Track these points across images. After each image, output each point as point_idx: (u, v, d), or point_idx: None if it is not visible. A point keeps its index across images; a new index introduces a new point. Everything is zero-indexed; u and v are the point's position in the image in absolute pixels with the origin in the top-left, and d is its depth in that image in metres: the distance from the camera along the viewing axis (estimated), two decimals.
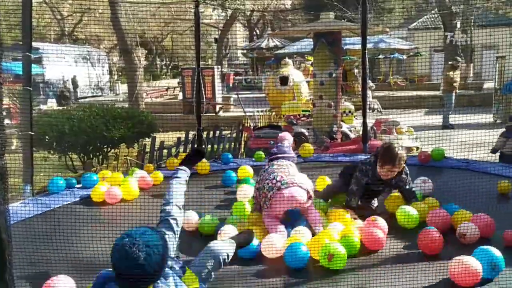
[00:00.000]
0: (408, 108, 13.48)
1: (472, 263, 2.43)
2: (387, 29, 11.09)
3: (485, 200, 3.54)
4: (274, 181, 3.18)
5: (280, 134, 5.43)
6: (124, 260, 1.60)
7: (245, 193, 3.94)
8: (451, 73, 11.35)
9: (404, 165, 3.43)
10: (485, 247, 2.59)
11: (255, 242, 2.86)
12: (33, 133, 4.18)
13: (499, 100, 12.27)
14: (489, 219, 3.02)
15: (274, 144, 6.59)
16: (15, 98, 12.58)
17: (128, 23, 11.66)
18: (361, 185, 3.40)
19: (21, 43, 4.52)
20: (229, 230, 3.10)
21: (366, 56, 5.29)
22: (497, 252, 2.52)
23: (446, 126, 10.68)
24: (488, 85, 17.02)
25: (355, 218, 3.31)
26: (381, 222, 3.10)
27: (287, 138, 4.56)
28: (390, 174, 3.37)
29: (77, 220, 3.64)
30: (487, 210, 3.15)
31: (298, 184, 3.14)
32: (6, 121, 12.52)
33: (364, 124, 5.61)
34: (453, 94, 11.33)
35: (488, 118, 11.79)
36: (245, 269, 2.79)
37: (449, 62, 11.70)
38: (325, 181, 4.10)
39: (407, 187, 3.51)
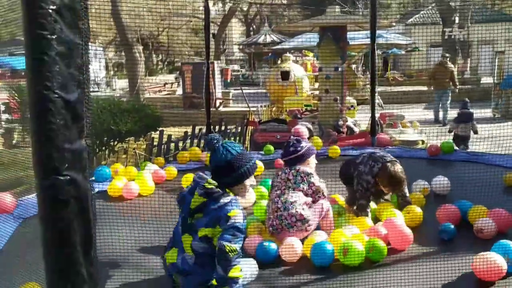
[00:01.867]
0: (407, 103, 13.57)
1: (496, 259, 2.46)
2: (394, 23, 11.16)
3: (497, 194, 3.58)
4: (273, 222, 3.08)
5: (296, 127, 5.43)
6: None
7: (247, 199, 3.67)
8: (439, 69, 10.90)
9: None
10: (503, 241, 2.63)
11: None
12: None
13: (498, 94, 12.38)
14: (506, 213, 3.06)
15: (279, 138, 6.64)
16: (14, 92, 12.52)
17: (128, 18, 11.61)
18: (368, 197, 3.35)
19: (22, 38, 4.49)
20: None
21: (375, 50, 5.32)
22: None
23: (442, 121, 10.69)
24: (485, 80, 17.16)
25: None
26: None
27: (301, 132, 4.52)
28: (393, 192, 3.41)
29: (96, 214, 3.65)
30: (501, 204, 3.19)
31: (288, 230, 3.02)
32: (6, 115, 12.44)
33: (373, 117, 5.65)
34: (448, 91, 10.93)
35: (487, 112, 11.90)
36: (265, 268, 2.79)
37: (438, 59, 11.29)
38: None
39: (406, 197, 3.45)
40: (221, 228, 2.31)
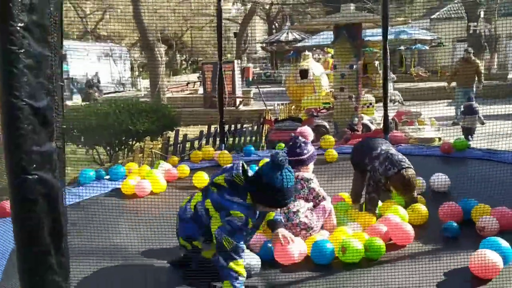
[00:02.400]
0: (430, 99, 13.32)
1: (492, 257, 2.47)
2: (409, 20, 10.96)
3: (505, 192, 3.54)
4: None
5: (299, 129, 5.45)
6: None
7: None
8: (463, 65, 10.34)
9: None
10: (492, 237, 2.63)
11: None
12: (64, 126, 4.36)
13: None
14: (509, 212, 3.04)
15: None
16: None
17: (149, 20, 11.86)
18: (379, 192, 3.39)
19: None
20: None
21: (387, 48, 5.30)
22: (504, 243, 2.55)
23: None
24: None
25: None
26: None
27: (307, 134, 4.51)
28: (405, 196, 3.42)
29: (110, 210, 3.81)
30: (504, 201, 3.16)
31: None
32: None
33: (385, 115, 5.62)
34: (471, 89, 10.29)
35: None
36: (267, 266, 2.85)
37: (462, 55, 10.79)
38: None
39: (413, 198, 3.47)
40: (220, 217, 2.42)
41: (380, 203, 3.49)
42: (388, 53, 5.39)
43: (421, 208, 3.28)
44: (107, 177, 4.71)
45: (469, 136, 7.35)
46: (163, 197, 4.28)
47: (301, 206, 3.09)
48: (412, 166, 3.32)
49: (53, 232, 0.96)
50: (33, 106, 0.92)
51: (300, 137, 3.47)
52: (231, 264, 2.37)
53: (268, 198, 2.47)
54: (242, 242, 2.44)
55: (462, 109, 7.62)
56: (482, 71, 9.94)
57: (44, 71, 0.94)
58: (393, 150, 3.45)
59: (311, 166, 3.35)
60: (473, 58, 10.13)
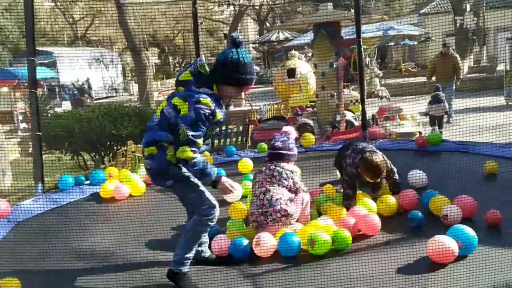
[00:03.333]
0: (419, 94, 13.40)
1: (447, 242, 2.54)
2: (385, 17, 10.99)
3: (471, 182, 3.61)
4: (258, 218, 3.18)
5: (283, 128, 5.50)
6: None
7: (234, 194, 3.67)
8: (440, 59, 10.05)
9: (388, 164, 3.50)
10: (458, 225, 2.70)
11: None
12: (40, 134, 4.41)
13: (511, 82, 12.11)
14: (471, 200, 3.11)
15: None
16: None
17: (136, 24, 11.89)
18: (354, 187, 3.50)
19: (40, 48, 4.75)
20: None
21: (361, 44, 5.37)
22: (470, 231, 2.62)
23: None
24: (501, 67, 16.74)
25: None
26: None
27: (291, 133, 4.58)
28: (376, 179, 3.50)
29: (87, 215, 3.86)
30: (471, 191, 3.23)
31: (273, 225, 3.14)
32: (24, 125, 12.98)
33: (363, 111, 5.69)
34: (451, 84, 9.89)
35: (500, 100, 11.65)
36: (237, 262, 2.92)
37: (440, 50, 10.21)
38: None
39: (394, 179, 3.60)
40: (187, 105, 2.47)
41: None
42: (363, 51, 5.46)
43: (390, 200, 3.36)
44: (87, 182, 4.76)
45: (437, 126, 7.90)
46: (142, 199, 4.35)
47: (283, 194, 3.20)
48: (378, 152, 3.45)
49: None
50: None
51: (276, 133, 3.58)
52: (179, 153, 2.45)
53: (231, 76, 2.52)
54: (199, 140, 2.46)
55: (430, 98, 8.16)
56: (461, 65, 9.69)
57: None
58: (360, 144, 3.58)
59: (292, 163, 3.47)
60: (451, 52, 9.93)
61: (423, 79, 16.97)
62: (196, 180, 2.61)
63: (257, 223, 3.21)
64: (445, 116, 8.32)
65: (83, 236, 3.50)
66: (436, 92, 8.10)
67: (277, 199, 3.16)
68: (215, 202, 2.64)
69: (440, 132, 7.70)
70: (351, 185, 3.47)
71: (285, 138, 3.48)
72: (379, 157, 3.39)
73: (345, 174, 3.52)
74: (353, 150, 3.50)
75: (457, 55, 9.87)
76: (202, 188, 2.65)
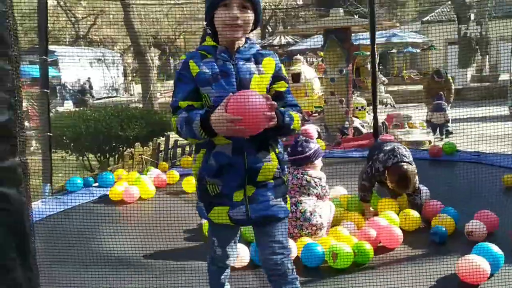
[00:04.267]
0: (422, 102, 13.40)
1: (480, 262, 2.46)
2: (398, 24, 10.96)
3: (490, 195, 3.55)
4: (292, 231, 3.05)
5: (305, 128, 5.40)
6: None
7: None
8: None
9: (417, 182, 3.34)
10: (484, 243, 2.63)
11: None
12: (51, 134, 4.34)
13: None
14: (492, 215, 3.05)
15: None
16: (32, 101, 12.93)
17: (141, 25, 11.84)
18: (372, 182, 3.41)
19: (37, 46, 4.69)
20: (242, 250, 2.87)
21: (375, 51, 5.32)
22: (496, 249, 2.55)
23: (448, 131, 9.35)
24: (504, 77, 16.78)
25: (375, 214, 3.37)
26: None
27: (311, 131, 4.45)
28: (399, 191, 3.40)
29: (97, 218, 3.78)
30: (491, 205, 3.17)
31: (310, 238, 3.05)
32: (25, 123, 12.86)
33: (375, 118, 5.64)
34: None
35: (504, 110, 11.65)
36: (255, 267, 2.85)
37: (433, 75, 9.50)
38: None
39: (414, 198, 3.42)
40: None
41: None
42: (376, 57, 5.41)
43: (413, 214, 3.27)
44: (96, 184, 4.68)
45: (442, 131, 8.10)
46: (152, 202, 4.27)
47: (315, 206, 3.11)
48: (413, 165, 3.28)
49: (19, 248, 0.95)
50: None
51: (301, 136, 3.50)
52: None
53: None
54: (176, 105, 1.82)
55: (432, 106, 8.40)
56: (453, 89, 9.29)
57: (4, 85, 0.92)
58: (402, 149, 3.41)
59: (318, 163, 3.33)
60: (446, 78, 9.23)
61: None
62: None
63: (290, 236, 3.04)
64: (448, 125, 8.32)
65: (93, 239, 3.42)
66: (437, 101, 8.15)
67: (311, 213, 3.07)
68: (218, 250, 2.04)
69: (441, 139, 7.77)
70: (370, 178, 3.37)
71: (304, 140, 3.34)
72: (412, 171, 3.24)
73: (369, 165, 3.40)
74: (391, 150, 3.33)
75: (450, 78, 9.39)
76: (212, 229, 2.03)
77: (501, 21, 15.50)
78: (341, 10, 7.24)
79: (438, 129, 8.34)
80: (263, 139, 1.79)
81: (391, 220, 3.20)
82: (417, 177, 3.32)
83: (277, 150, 1.86)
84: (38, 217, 3.79)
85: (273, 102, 1.67)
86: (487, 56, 20.81)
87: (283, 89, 1.88)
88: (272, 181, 1.85)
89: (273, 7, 25.68)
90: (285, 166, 1.93)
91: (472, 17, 18.01)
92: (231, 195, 1.81)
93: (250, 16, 1.78)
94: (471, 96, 14.27)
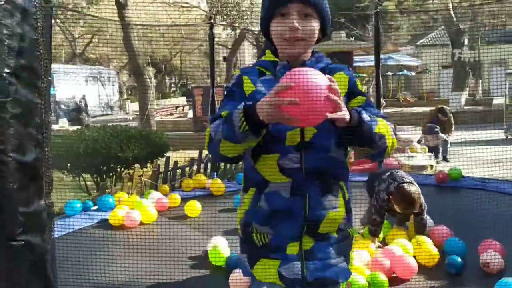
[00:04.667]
0: (418, 124, 13.43)
1: None
2: (399, 48, 11.08)
3: (497, 223, 3.47)
4: None
5: None
6: None
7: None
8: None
9: (422, 200, 3.34)
10: (507, 279, 2.54)
11: None
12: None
13: (510, 116, 12.20)
14: (498, 246, 2.98)
15: None
16: None
17: (139, 44, 11.83)
18: (382, 214, 3.37)
19: None
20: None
21: (380, 75, 5.30)
22: None
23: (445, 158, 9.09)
24: (497, 101, 16.96)
25: (379, 247, 3.29)
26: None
27: None
28: (406, 212, 3.37)
29: (97, 244, 3.64)
30: (498, 234, 3.10)
31: None
32: None
33: None
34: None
35: (499, 134, 11.70)
36: None
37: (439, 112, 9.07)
38: None
39: (421, 218, 3.42)
40: None
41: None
42: (381, 81, 5.40)
43: (432, 249, 3.14)
44: (95, 207, 4.54)
45: (435, 155, 8.14)
46: (153, 227, 4.14)
47: None
48: (416, 184, 3.29)
49: None
50: (20, 161, 0.81)
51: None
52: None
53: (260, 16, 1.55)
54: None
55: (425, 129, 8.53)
56: (453, 124, 9.25)
57: (33, 120, 0.83)
58: (399, 172, 3.45)
59: None
60: (446, 111, 8.92)
61: (421, 109, 17.14)
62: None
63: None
64: (439, 154, 8.40)
65: (93, 267, 3.27)
66: (430, 124, 8.25)
67: None
68: None
69: (437, 162, 7.78)
70: (379, 211, 3.33)
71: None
72: (415, 190, 3.25)
73: (375, 199, 3.37)
74: (390, 176, 3.36)
75: (450, 115, 9.27)
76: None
77: (493, 47, 15.77)
78: (343, 33, 7.27)
79: (433, 152, 8.35)
80: (332, 176, 1.44)
81: (404, 248, 3.10)
82: (422, 196, 3.33)
83: (346, 196, 1.49)
84: None
85: (337, 87, 1.25)
86: (480, 81, 21.08)
87: (361, 103, 1.47)
88: (335, 234, 1.47)
89: None
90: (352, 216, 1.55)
91: (466, 41, 18.30)
92: (284, 247, 1.44)
93: (314, 25, 1.45)
94: (466, 119, 14.36)
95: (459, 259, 2.93)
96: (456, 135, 9.79)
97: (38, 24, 0.81)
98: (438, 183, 4.88)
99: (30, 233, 0.82)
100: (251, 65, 1.53)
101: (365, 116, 1.33)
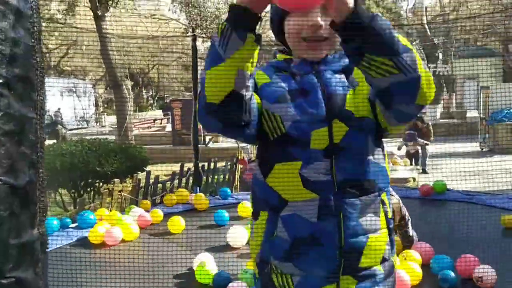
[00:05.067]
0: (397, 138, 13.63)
1: None
2: None
3: (489, 237, 3.48)
4: None
5: None
6: None
7: (236, 236, 3.68)
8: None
9: (403, 212, 3.29)
10: None
11: None
12: None
13: (485, 129, 12.52)
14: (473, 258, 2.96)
15: None
16: None
17: (117, 56, 11.65)
18: None
19: None
20: None
21: None
22: None
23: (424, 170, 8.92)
24: (470, 114, 17.41)
25: None
26: None
27: None
28: None
29: (74, 263, 3.46)
30: (491, 249, 3.09)
31: None
32: None
33: None
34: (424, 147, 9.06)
35: (475, 146, 11.98)
36: None
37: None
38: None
39: (405, 230, 3.36)
40: None
41: None
42: None
43: (416, 270, 3.08)
44: (74, 225, 4.34)
45: (416, 163, 8.29)
46: (135, 245, 3.98)
47: None
48: (395, 195, 3.22)
49: None
50: (12, 185, 0.70)
51: None
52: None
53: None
54: None
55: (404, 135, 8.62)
56: (431, 131, 9.38)
57: (27, 137, 0.73)
58: None
59: None
60: (424, 120, 9.13)
61: None
62: None
63: None
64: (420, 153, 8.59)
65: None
66: (409, 131, 8.32)
67: None
68: None
69: (418, 169, 7.90)
70: None
71: None
72: (393, 201, 3.16)
73: None
74: None
75: (428, 123, 9.38)
76: None
77: (466, 61, 16.23)
78: None
79: (414, 159, 8.48)
80: (371, 188, 1.12)
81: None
82: (404, 208, 3.27)
83: (389, 213, 1.17)
84: None
85: None
86: (454, 94, 21.64)
87: None
88: (380, 267, 1.13)
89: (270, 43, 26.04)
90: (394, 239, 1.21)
91: (440, 56, 18.81)
92: None
93: None
94: (442, 132, 14.66)
95: (452, 274, 2.89)
96: (434, 147, 9.97)
97: (35, 28, 0.72)
98: (423, 196, 4.89)
99: (21, 268, 0.71)
100: (265, 64, 1.30)
101: (382, 23, 0.98)
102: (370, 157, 1.13)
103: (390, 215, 1.18)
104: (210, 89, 1.03)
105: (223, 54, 1.01)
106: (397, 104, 1.05)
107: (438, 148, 10.71)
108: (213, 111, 1.04)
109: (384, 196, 1.17)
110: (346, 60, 1.20)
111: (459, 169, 6.89)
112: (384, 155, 1.20)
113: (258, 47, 1.04)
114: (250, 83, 1.06)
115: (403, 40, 1.01)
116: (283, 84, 1.17)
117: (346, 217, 1.09)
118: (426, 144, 8.75)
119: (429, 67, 18.73)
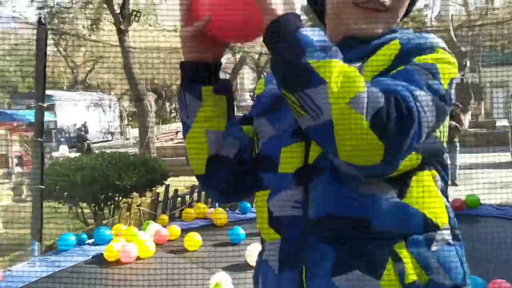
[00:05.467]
0: None
1: None
2: None
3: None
4: None
5: None
6: None
7: (255, 254, 3.45)
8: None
9: None
10: None
11: None
12: (43, 187, 3.97)
13: None
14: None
15: None
16: (26, 146, 12.62)
17: (139, 70, 11.77)
18: None
19: (34, 91, 4.47)
20: None
21: None
22: None
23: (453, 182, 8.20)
24: (500, 123, 16.80)
25: None
26: None
27: None
28: None
29: (88, 281, 3.38)
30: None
31: None
32: (18, 169, 12.49)
33: None
34: (455, 143, 8.24)
35: (506, 157, 11.49)
36: None
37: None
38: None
39: None
40: None
41: None
42: None
43: None
44: (91, 241, 4.28)
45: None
46: (150, 263, 3.87)
47: None
48: None
49: None
50: None
51: None
52: None
53: None
54: None
55: None
56: (462, 119, 8.60)
57: None
58: None
59: None
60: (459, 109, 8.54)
61: None
62: None
63: None
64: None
65: None
66: None
67: None
68: None
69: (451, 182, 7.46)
70: None
71: None
72: None
73: None
74: None
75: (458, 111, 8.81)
76: None
77: (494, 69, 15.73)
78: None
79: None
80: (363, 231, 0.75)
81: None
82: None
83: (409, 272, 0.75)
84: (23, 283, 3.37)
85: None
86: (482, 103, 21.01)
87: (393, 72, 0.78)
88: None
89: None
90: None
91: (468, 63, 18.32)
92: None
93: None
94: (471, 142, 14.17)
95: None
96: (462, 158, 9.57)
97: None
98: (455, 212, 4.61)
99: None
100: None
101: (312, 41, 0.69)
102: (374, 188, 0.75)
103: (411, 277, 0.75)
104: (190, 162, 0.91)
105: (187, 121, 0.88)
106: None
107: (468, 158, 10.28)
108: (206, 183, 0.91)
109: (400, 248, 0.76)
110: (378, 42, 0.84)
111: (490, 180, 6.55)
112: (407, 187, 0.78)
113: (224, 96, 0.88)
114: (235, 136, 0.89)
115: (335, 72, 0.68)
116: (273, 92, 0.88)
117: (310, 273, 0.76)
118: (457, 129, 8.02)
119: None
